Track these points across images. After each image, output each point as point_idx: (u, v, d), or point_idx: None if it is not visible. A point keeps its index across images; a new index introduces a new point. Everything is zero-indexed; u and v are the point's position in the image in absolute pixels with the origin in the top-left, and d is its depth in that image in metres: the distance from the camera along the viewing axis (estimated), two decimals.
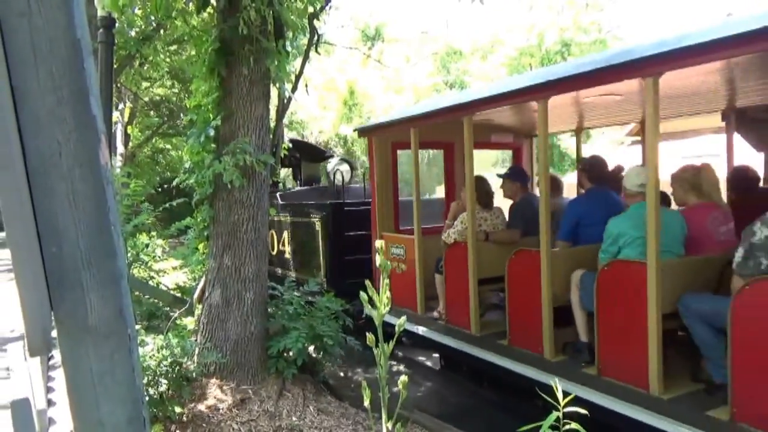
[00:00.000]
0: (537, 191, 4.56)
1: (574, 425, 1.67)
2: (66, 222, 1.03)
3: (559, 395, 1.66)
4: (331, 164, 7.82)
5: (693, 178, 3.83)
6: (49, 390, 1.75)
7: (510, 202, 5.29)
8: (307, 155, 9.53)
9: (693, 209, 3.82)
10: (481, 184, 5.15)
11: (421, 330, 5.20)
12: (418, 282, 5.36)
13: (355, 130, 6.28)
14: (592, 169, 4.52)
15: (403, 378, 1.37)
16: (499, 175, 5.46)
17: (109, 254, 1.07)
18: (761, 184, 5.42)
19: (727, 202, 4.28)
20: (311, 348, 4.78)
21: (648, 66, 3.17)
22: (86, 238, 1.04)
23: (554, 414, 1.66)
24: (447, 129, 5.58)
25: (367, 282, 1.36)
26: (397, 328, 1.38)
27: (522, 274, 4.24)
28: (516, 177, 5.26)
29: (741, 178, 5.05)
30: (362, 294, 1.37)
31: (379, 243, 1.35)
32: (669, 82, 3.46)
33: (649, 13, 49.28)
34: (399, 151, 6.18)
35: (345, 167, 7.57)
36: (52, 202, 1.01)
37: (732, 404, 2.90)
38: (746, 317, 2.83)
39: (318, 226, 7.19)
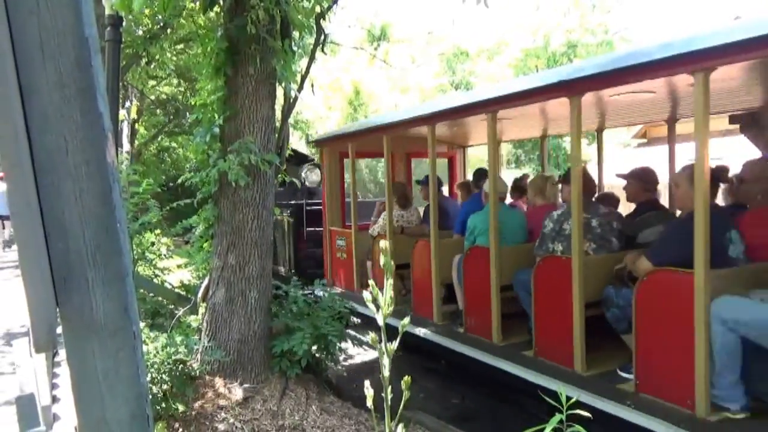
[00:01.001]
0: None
1: (577, 428, 1.66)
2: (72, 219, 1.03)
3: (563, 398, 1.65)
4: (304, 168, 8.58)
5: (541, 184, 5.18)
6: (53, 386, 1.76)
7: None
8: (292, 159, 9.96)
9: (536, 209, 5.14)
10: (401, 188, 6.67)
11: (359, 307, 5.93)
12: (355, 265, 6.87)
13: (309, 142, 7.35)
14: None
15: (406, 378, 1.37)
16: (417, 182, 6.63)
17: (114, 252, 1.07)
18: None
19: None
20: (314, 347, 4.78)
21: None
22: (92, 235, 1.05)
23: (557, 416, 1.65)
24: (394, 140, 6.56)
25: (371, 282, 1.36)
26: (400, 329, 1.38)
27: (421, 260, 5.66)
28: (426, 183, 6.20)
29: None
30: (365, 294, 1.37)
31: (384, 243, 1.35)
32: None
33: (656, 15, 49.08)
34: (346, 160, 7.43)
35: (316, 171, 8.46)
36: (58, 199, 1.02)
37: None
38: (540, 283, 4.17)
39: (286, 224, 8.53)
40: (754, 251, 3.44)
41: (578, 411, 1.74)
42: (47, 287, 1.00)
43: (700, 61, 2.99)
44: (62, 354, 2.52)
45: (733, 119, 5.60)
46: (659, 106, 5.01)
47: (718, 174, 3.57)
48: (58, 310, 1.02)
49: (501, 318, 4.64)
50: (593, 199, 4.67)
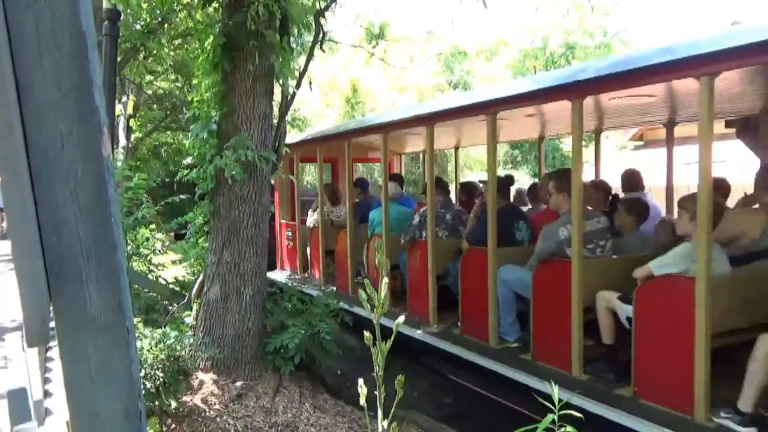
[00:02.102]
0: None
1: (569, 429, 1.67)
2: (67, 214, 1.03)
3: (555, 397, 1.66)
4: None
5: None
6: (46, 381, 1.75)
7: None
8: None
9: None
10: (332, 188, 8.39)
11: (303, 287, 7.16)
12: (299, 253, 8.46)
13: None
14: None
15: (400, 377, 1.37)
16: (353, 184, 7.64)
17: (109, 247, 1.07)
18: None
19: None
20: (308, 344, 4.77)
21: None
22: (87, 230, 1.04)
23: (549, 416, 1.66)
24: (333, 148, 8.03)
25: (366, 281, 1.36)
26: (394, 328, 1.38)
27: (341, 246, 7.23)
28: (357, 185, 7.93)
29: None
30: (360, 293, 1.37)
31: (377, 242, 1.35)
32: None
33: (654, 18, 49.21)
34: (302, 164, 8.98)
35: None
36: (53, 194, 1.02)
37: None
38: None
39: None
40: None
41: (570, 411, 1.74)
42: (40, 282, 1.00)
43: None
44: (55, 349, 2.51)
45: (729, 124, 5.63)
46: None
47: (508, 181, 5.39)
48: (51, 304, 1.02)
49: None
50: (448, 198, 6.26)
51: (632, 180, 5.57)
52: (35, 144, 1.00)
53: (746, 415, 3.04)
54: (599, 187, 5.41)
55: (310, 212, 8.42)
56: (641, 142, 14.94)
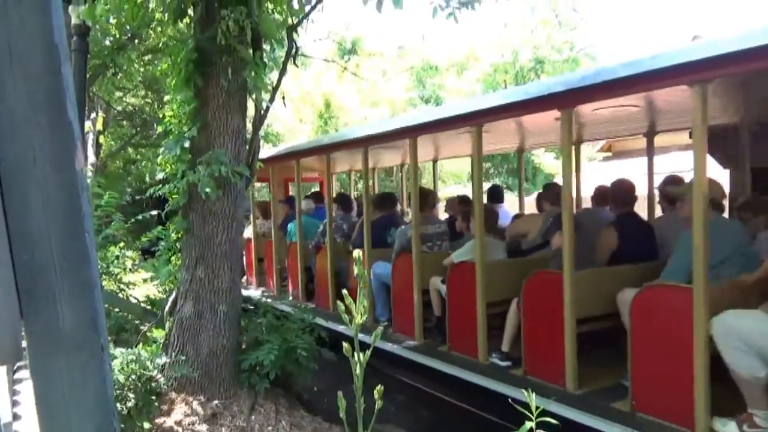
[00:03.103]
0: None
1: None
2: (39, 229, 1.01)
3: (533, 405, 1.67)
4: None
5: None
6: (14, 404, 1.68)
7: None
8: None
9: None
10: (264, 204, 9.64)
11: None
12: (254, 261, 9.23)
13: None
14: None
15: (379, 388, 1.37)
16: (281, 201, 8.93)
17: (82, 262, 1.05)
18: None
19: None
20: (284, 361, 4.72)
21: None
22: (59, 245, 1.02)
23: (527, 424, 1.67)
24: (284, 168, 8.55)
25: (345, 291, 1.36)
26: (372, 339, 1.38)
27: (268, 253, 8.66)
28: (285, 202, 8.89)
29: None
30: (339, 303, 1.37)
31: (357, 253, 1.35)
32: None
33: (619, 34, 50.68)
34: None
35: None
36: (24, 208, 0.99)
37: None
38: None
39: None
40: None
41: (547, 419, 1.76)
42: (11, 299, 0.97)
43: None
44: (24, 370, 2.41)
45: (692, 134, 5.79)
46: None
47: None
48: (22, 322, 0.99)
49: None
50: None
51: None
52: (6, 158, 0.98)
53: (505, 353, 4.47)
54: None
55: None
56: (609, 153, 15.29)
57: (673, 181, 4.80)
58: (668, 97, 3.87)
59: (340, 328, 5.74)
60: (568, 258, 3.75)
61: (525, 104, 4.06)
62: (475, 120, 4.47)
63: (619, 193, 4.48)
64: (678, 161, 8.00)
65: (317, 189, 11.15)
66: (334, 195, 8.13)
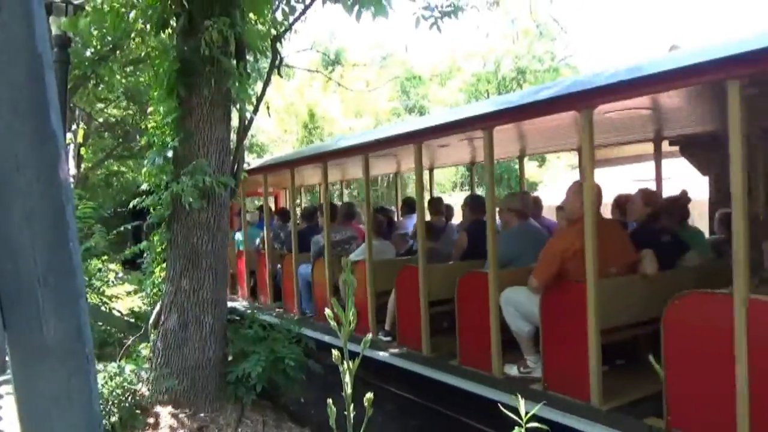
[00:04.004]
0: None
1: None
2: (22, 239, 0.99)
3: (522, 411, 1.68)
4: None
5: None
6: None
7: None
8: None
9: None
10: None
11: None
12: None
13: None
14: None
15: (369, 395, 1.37)
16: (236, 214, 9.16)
17: (67, 272, 1.03)
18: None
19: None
20: (271, 372, 4.67)
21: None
22: (43, 255, 1.01)
23: (516, 430, 1.68)
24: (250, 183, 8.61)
25: (333, 300, 1.36)
26: (362, 346, 1.38)
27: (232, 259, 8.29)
28: (238, 215, 9.18)
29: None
30: (327, 311, 1.37)
31: (345, 261, 1.35)
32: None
33: (598, 44, 51.50)
34: None
35: None
36: (7, 218, 0.98)
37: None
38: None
39: None
40: None
41: (537, 425, 1.76)
42: None
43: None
44: (5, 387, 2.36)
45: (673, 142, 5.89)
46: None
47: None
48: (5, 334, 0.98)
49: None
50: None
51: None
52: None
53: (387, 331, 5.54)
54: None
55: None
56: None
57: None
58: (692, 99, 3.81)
59: (275, 320, 6.10)
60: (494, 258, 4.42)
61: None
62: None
63: (474, 205, 5.62)
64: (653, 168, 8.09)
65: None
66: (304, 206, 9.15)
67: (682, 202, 4.85)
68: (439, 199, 7.39)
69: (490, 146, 4.26)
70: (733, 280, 2.92)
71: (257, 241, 8.45)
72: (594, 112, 3.54)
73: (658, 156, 5.85)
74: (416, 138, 4.97)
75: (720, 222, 5.10)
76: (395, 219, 8.50)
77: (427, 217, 6.60)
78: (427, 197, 7.32)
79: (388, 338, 5.55)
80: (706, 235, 5.39)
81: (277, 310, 7.59)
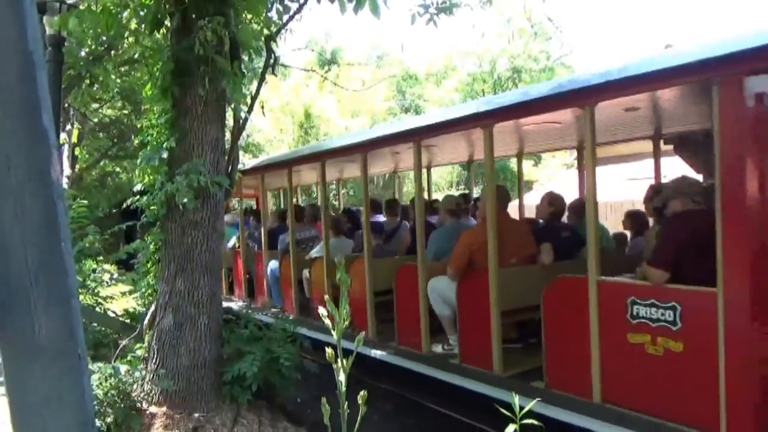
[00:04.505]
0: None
1: None
2: (14, 238, 0.99)
3: (516, 407, 1.69)
4: None
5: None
6: None
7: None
8: None
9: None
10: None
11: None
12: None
13: None
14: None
15: (363, 393, 1.37)
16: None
17: (59, 272, 1.03)
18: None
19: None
20: (267, 372, 4.66)
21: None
22: (35, 255, 1.01)
23: (511, 426, 1.68)
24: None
25: (327, 297, 1.36)
26: (356, 344, 1.38)
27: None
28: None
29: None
30: (321, 309, 1.37)
31: (338, 259, 1.36)
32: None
33: (593, 43, 51.62)
34: None
35: None
36: None
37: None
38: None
39: None
40: None
41: (532, 421, 1.77)
42: None
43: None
44: None
45: (667, 141, 5.91)
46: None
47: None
48: None
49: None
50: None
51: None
52: None
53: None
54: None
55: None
56: None
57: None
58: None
59: (244, 310, 6.90)
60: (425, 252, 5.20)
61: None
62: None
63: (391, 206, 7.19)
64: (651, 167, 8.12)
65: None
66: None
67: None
68: (395, 201, 7.96)
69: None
70: (588, 265, 3.59)
71: (233, 239, 9.13)
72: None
73: (657, 154, 5.95)
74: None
75: (626, 218, 5.77)
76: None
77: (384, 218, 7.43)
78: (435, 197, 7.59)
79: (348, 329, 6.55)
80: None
81: (253, 304, 8.33)
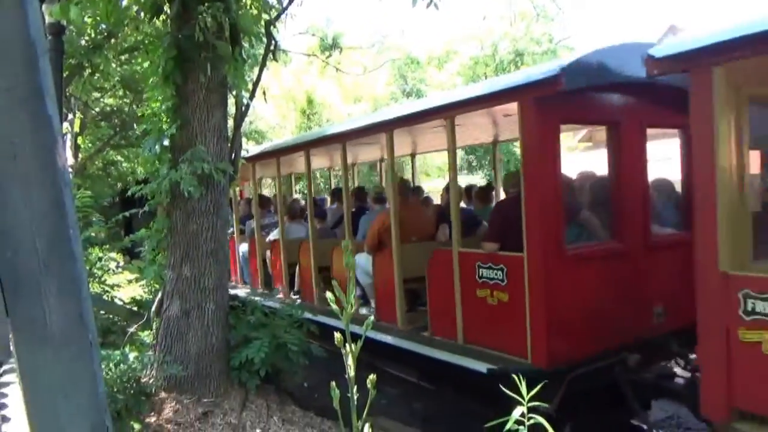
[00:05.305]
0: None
1: (538, 418, 1.71)
2: (22, 226, 0.99)
3: (524, 390, 1.70)
4: None
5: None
6: (1, 406, 1.65)
7: None
8: None
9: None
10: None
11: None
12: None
13: None
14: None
15: (372, 377, 1.38)
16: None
17: (68, 258, 1.04)
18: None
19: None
20: (274, 357, 4.70)
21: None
22: (44, 242, 1.01)
23: (519, 408, 1.69)
24: None
25: (334, 282, 1.36)
26: (364, 328, 1.39)
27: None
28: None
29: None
30: (328, 294, 1.37)
31: (345, 244, 1.36)
32: None
33: (598, 25, 51.06)
34: None
35: None
36: (6, 205, 0.98)
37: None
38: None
39: None
40: None
41: (539, 403, 1.78)
42: None
43: None
44: (8, 376, 2.35)
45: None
46: None
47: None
48: (9, 321, 0.98)
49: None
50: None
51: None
52: None
53: (296, 291, 7.44)
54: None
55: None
56: (590, 144, 15.42)
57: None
58: None
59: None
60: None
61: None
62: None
63: (359, 194, 7.58)
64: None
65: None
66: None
67: (487, 190, 7.30)
68: (340, 190, 8.40)
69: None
70: (453, 240, 4.76)
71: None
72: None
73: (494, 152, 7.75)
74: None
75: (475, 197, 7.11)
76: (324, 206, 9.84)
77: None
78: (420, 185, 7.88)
79: (296, 297, 7.44)
80: None
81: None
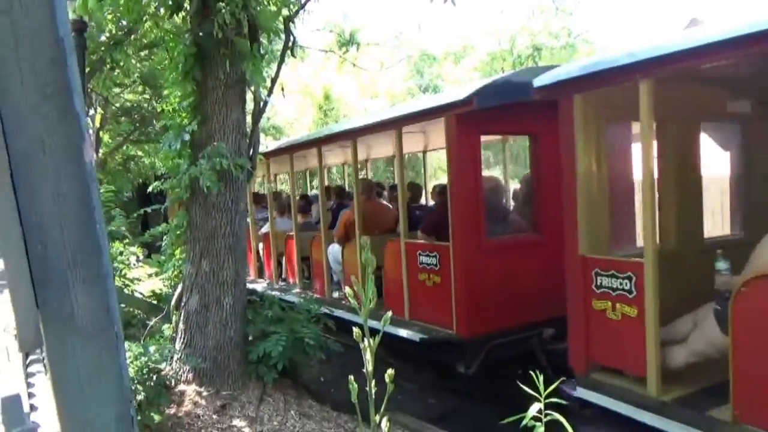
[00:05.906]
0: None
1: (556, 415, 1.70)
2: (51, 220, 1.02)
3: (540, 386, 1.70)
4: None
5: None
6: (30, 395, 1.71)
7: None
8: None
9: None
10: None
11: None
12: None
13: None
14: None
15: (390, 371, 1.39)
16: None
17: (94, 252, 1.06)
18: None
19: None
20: (291, 351, 4.74)
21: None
22: (71, 235, 1.04)
23: (536, 405, 1.69)
24: None
25: (353, 277, 1.37)
26: (382, 323, 1.40)
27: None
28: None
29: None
30: (347, 289, 1.39)
31: (364, 240, 1.37)
32: None
33: (616, 18, 50.33)
34: None
35: None
36: (35, 200, 1.01)
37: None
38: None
39: None
40: None
41: (555, 399, 1.78)
42: (28, 289, 0.99)
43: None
44: (35, 366, 2.43)
45: None
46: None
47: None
48: (39, 312, 1.01)
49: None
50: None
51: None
52: (16, 150, 0.99)
53: (284, 278, 8.58)
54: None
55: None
56: None
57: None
58: None
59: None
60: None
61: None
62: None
63: (340, 192, 8.35)
64: None
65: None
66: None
67: (445, 187, 7.30)
68: (328, 188, 9.17)
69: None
70: (401, 231, 5.68)
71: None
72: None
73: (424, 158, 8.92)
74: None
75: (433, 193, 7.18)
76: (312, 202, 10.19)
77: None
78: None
79: (283, 284, 8.34)
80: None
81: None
